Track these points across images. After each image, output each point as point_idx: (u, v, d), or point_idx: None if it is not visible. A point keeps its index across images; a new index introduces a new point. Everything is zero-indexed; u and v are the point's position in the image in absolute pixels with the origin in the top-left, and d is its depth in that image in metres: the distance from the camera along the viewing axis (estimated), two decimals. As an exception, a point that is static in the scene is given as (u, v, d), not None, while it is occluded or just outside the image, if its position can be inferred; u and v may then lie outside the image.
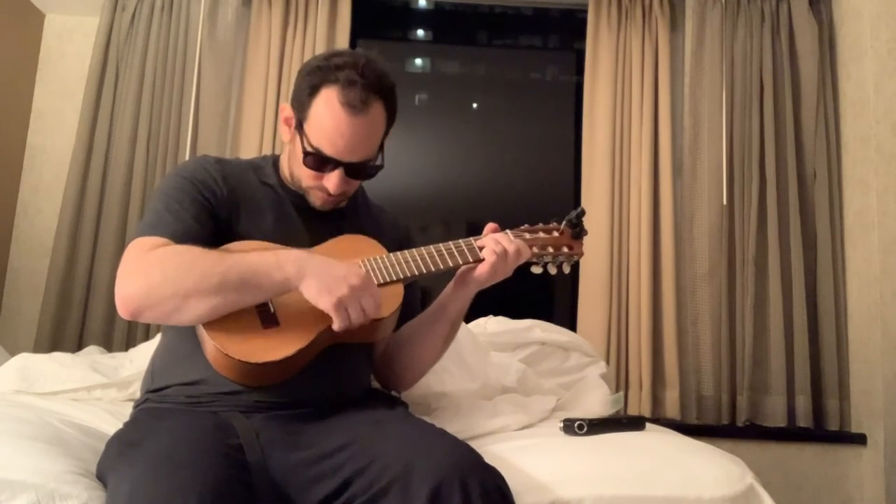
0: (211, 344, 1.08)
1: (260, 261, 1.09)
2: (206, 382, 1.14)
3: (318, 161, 1.21)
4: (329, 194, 1.25)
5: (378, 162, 1.27)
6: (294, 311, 1.14)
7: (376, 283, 1.18)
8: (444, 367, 1.56)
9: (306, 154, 1.21)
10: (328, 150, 1.20)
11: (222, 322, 1.09)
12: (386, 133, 1.28)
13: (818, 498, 2.54)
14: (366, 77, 1.19)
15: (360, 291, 1.09)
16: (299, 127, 1.23)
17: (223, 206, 1.23)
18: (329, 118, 1.18)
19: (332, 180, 1.22)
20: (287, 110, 1.28)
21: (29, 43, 2.95)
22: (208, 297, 1.06)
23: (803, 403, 2.54)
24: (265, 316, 1.12)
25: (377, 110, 1.22)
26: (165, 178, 1.26)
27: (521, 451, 1.21)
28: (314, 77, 1.21)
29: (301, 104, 1.22)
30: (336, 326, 1.10)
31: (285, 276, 1.08)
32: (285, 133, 1.29)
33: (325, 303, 1.08)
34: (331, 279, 1.08)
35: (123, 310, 1.08)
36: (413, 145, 3.14)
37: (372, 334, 1.23)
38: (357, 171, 1.24)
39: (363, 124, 1.20)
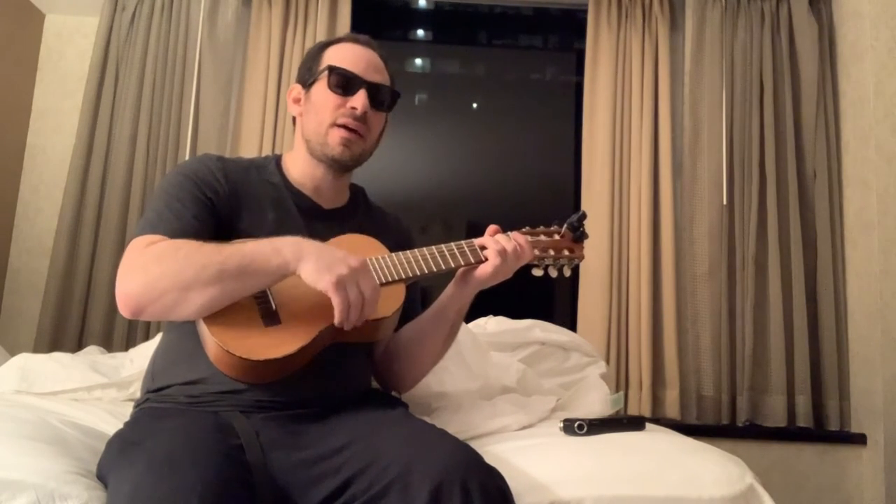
0: (213, 341, 1.08)
1: (257, 248, 1.09)
2: (207, 381, 1.13)
3: (344, 79, 1.29)
4: (355, 120, 1.28)
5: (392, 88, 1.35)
6: (296, 309, 1.14)
7: (378, 283, 1.17)
8: (444, 367, 1.55)
9: (330, 74, 1.29)
10: (349, 66, 1.29)
11: (224, 319, 1.09)
12: (393, 87, 1.37)
13: (818, 498, 2.54)
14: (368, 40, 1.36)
15: (358, 272, 1.08)
16: (312, 79, 1.32)
17: (225, 204, 1.23)
18: (344, 50, 1.32)
19: (359, 99, 1.28)
20: (296, 90, 1.36)
21: (29, 43, 2.95)
22: (208, 287, 1.06)
23: (803, 403, 2.54)
24: (267, 313, 1.12)
25: (381, 62, 1.35)
26: (167, 175, 1.26)
27: (521, 452, 1.21)
28: (319, 45, 1.37)
29: (311, 66, 1.34)
30: (336, 308, 1.06)
31: (283, 260, 1.08)
32: (295, 109, 1.36)
33: (324, 283, 1.05)
34: (329, 260, 1.07)
35: (125, 308, 1.08)
36: (413, 145, 3.14)
37: (373, 334, 1.23)
38: (378, 94, 1.31)
39: (376, 55, 1.34)
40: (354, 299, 1.07)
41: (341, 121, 1.28)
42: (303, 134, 1.34)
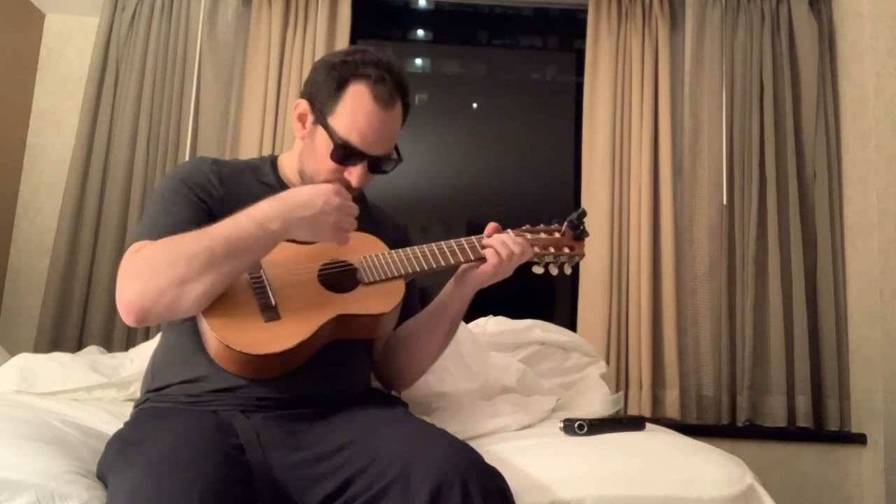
0: (213, 336, 1.08)
1: (239, 226, 1.10)
2: (207, 379, 1.14)
3: (346, 153, 1.23)
4: (347, 189, 1.24)
5: (395, 157, 1.30)
6: (295, 304, 1.14)
7: (377, 279, 1.20)
8: (444, 367, 1.55)
9: (335, 146, 1.22)
10: (357, 142, 1.22)
11: (224, 315, 1.10)
12: (403, 117, 1.32)
13: (818, 498, 2.54)
14: (392, 74, 1.24)
15: (341, 208, 1.13)
16: (322, 121, 1.23)
17: (219, 208, 1.23)
18: (361, 112, 1.21)
19: (356, 174, 1.24)
20: (302, 106, 1.28)
21: (29, 43, 2.95)
22: (203, 275, 1.06)
23: (803, 403, 2.54)
24: (266, 309, 1.13)
25: (400, 107, 1.27)
26: (162, 180, 1.27)
27: (521, 452, 1.21)
28: (341, 71, 1.23)
29: (325, 99, 1.23)
30: (340, 244, 1.16)
31: (271, 232, 1.11)
32: (299, 129, 1.29)
33: (325, 238, 1.15)
34: (315, 216, 1.12)
35: (128, 315, 1.08)
36: (413, 145, 3.13)
37: (373, 330, 1.23)
38: (379, 165, 1.27)
39: (391, 119, 1.24)
40: (350, 226, 1.15)
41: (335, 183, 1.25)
42: (300, 158, 1.31)
